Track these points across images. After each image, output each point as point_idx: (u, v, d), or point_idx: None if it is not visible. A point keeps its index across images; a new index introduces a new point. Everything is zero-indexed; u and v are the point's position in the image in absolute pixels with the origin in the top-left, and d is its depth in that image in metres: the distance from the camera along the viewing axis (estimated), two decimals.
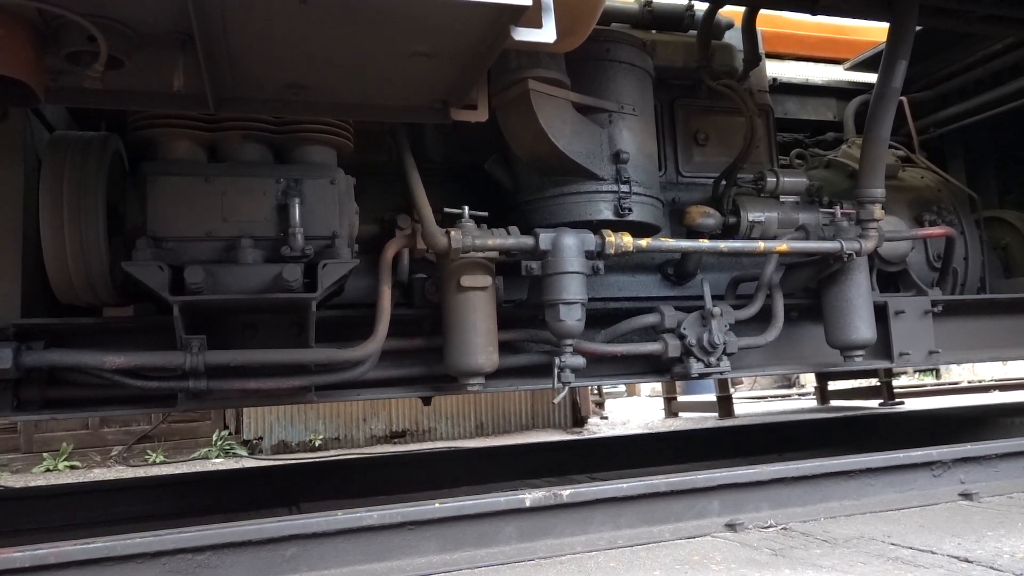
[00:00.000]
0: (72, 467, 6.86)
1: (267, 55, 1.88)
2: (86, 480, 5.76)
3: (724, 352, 3.04)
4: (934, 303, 3.69)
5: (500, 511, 2.23)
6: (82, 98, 2.03)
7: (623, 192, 2.94)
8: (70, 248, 2.35)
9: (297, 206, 2.44)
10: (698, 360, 3.03)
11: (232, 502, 3.76)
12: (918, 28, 3.30)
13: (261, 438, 7.46)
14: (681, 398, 9.94)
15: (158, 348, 2.46)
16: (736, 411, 8.76)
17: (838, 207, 3.32)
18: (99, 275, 2.41)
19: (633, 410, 11.71)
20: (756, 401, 11.77)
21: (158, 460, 7.05)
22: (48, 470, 6.73)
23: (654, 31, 3.85)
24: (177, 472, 4.97)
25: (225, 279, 2.42)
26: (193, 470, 6.05)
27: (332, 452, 7.19)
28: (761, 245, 3.07)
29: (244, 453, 7.31)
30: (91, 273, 2.40)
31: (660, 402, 10.40)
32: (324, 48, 1.85)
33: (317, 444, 7.50)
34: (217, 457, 7.17)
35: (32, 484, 5.45)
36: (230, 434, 7.51)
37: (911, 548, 2.11)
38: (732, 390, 9.04)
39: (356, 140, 2.80)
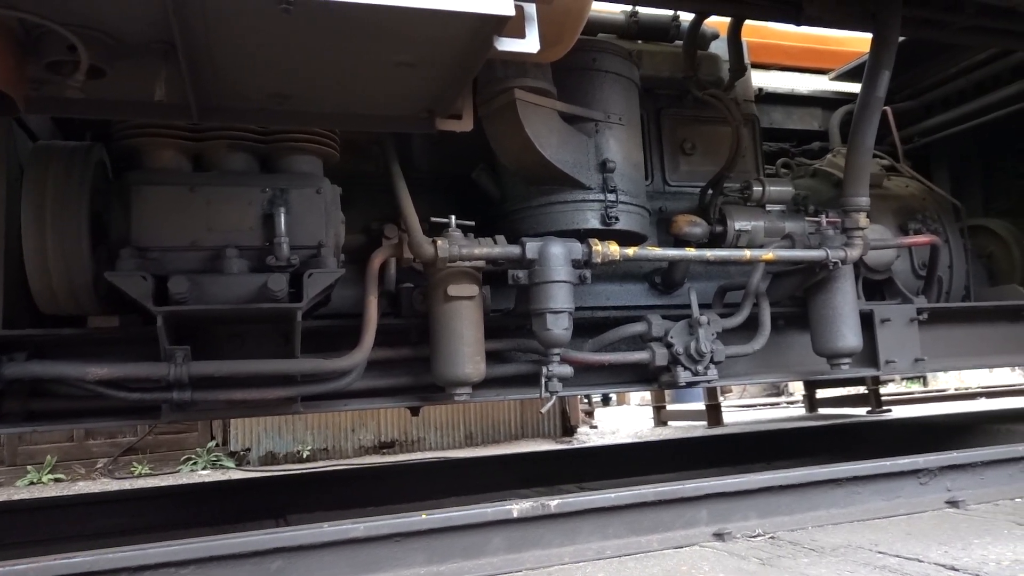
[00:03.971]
0: (57, 480, 6.78)
1: (250, 65, 1.87)
2: (70, 493, 5.69)
3: (711, 360, 3.05)
4: (920, 311, 3.71)
5: (488, 522, 2.22)
6: (64, 108, 2.02)
7: (610, 201, 2.95)
8: (52, 258, 2.33)
9: (283, 215, 2.43)
10: (686, 369, 3.03)
11: (218, 515, 3.73)
12: (901, 39, 3.33)
13: (248, 449, 7.40)
14: (670, 407, 9.93)
15: (143, 359, 2.44)
16: (725, 419, 8.76)
17: (824, 216, 3.33)
18: (82, 285, 2.39)
19: (623, 419, 11.71)
20: (745, 409, 11.78)
21: (144, 472, 6.98)
22: (32, 483, 6.65)
23: (640, 41, 3.87)
24: (163, 484, 4.92)
25: (210, 289, 2.40)
26: (179, 482, 5.99)
27: (320, 463, 7.15)
28: (747, 254, 3.08)
29: (231, 464, 7.24)
30: (74, 283, 2.38)
31: (649, 411, 10.40)
32: (307, 58, 1.84)
33: (305, 455, 7.45)
34: (204, 469, 7.11)
35: (15, 497, 5.38)
36: (217, 445, 7.45)
37: (898, 556, 2.11)
38: (721, 398, 9.05)
39: (343, 149, 2.79)
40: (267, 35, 1.71)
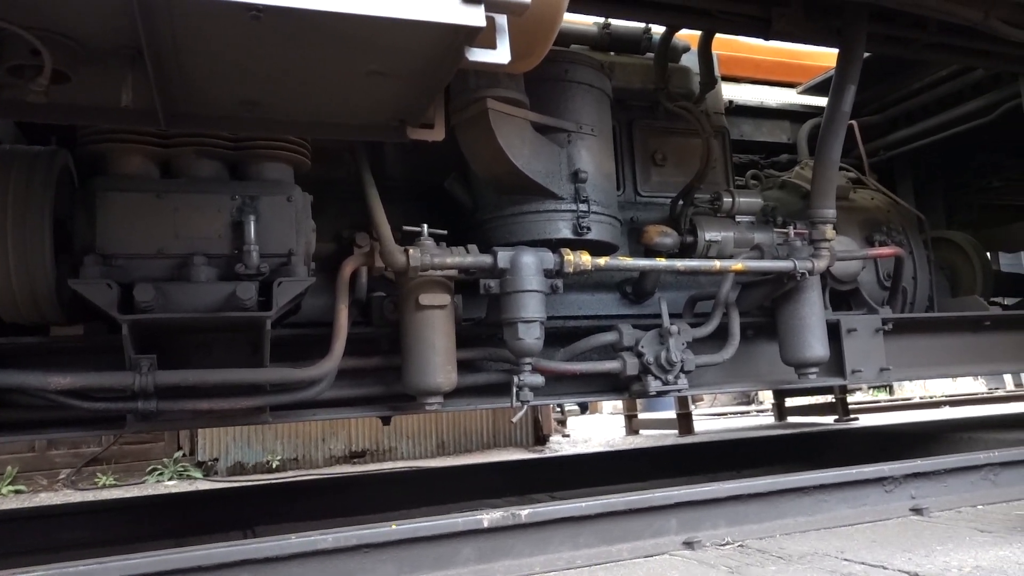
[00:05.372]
0: (17, 491, 6.61)
1: (219, 72, 1.85)
2: (31, 505, 5.56)
3: (682, 370, 3.07)
4: (885, 321, 3.77)
5: (458, 532, 2.20)
6: (26, 112, 1.97)
7: (582, 211, 2.96)
8: (14, 265, 2.28)
9: (252, 223, 2.40)
10: (656, 378, 3.04)
11: (184, 527, 3.66)
12: (867, 54, 3.40)
13: (217, 459, 7.29)
14: (642, 415, 9.97)
15: (108, 368, 2.39)
16: (696, 428, 8.82)
17: (791, 227, 3.38)
18: (44, 293, 2.34)
19: (595, 427, 11.73)
20: (716, 418, 11.88)
21: (108, 483, 6.84)
22: None
23: (613, 53, 3.90)
24: (128, 496, 4.83)
25: (177, 297, 2.37)
26: (144, 493, 5.88)
27: (290, 473, 7.06)
28: (717, 264, 3.11)
29: (199, 475, 7.12)
30: (36, 291, 2.33)
31: (622, 419, 10.44)
32: (277, 66, 1.83)
33: (275, 465, 7.36)
34: (170, 479, 6.98)
35: None
36: (184, 455, 7.33)
37: (863, 564, 2.14)
38: (692, 407, 9.11)
39: (315, 157, 2.78)
40: (236, 42, 1.70)
